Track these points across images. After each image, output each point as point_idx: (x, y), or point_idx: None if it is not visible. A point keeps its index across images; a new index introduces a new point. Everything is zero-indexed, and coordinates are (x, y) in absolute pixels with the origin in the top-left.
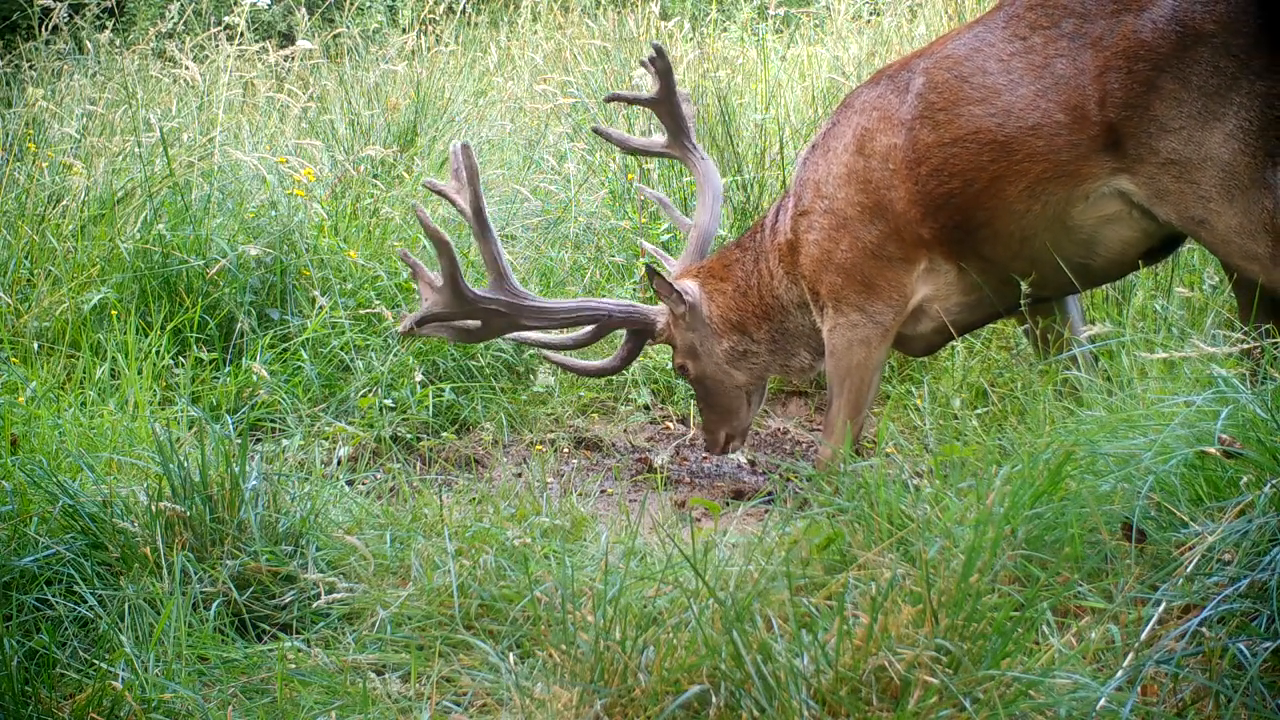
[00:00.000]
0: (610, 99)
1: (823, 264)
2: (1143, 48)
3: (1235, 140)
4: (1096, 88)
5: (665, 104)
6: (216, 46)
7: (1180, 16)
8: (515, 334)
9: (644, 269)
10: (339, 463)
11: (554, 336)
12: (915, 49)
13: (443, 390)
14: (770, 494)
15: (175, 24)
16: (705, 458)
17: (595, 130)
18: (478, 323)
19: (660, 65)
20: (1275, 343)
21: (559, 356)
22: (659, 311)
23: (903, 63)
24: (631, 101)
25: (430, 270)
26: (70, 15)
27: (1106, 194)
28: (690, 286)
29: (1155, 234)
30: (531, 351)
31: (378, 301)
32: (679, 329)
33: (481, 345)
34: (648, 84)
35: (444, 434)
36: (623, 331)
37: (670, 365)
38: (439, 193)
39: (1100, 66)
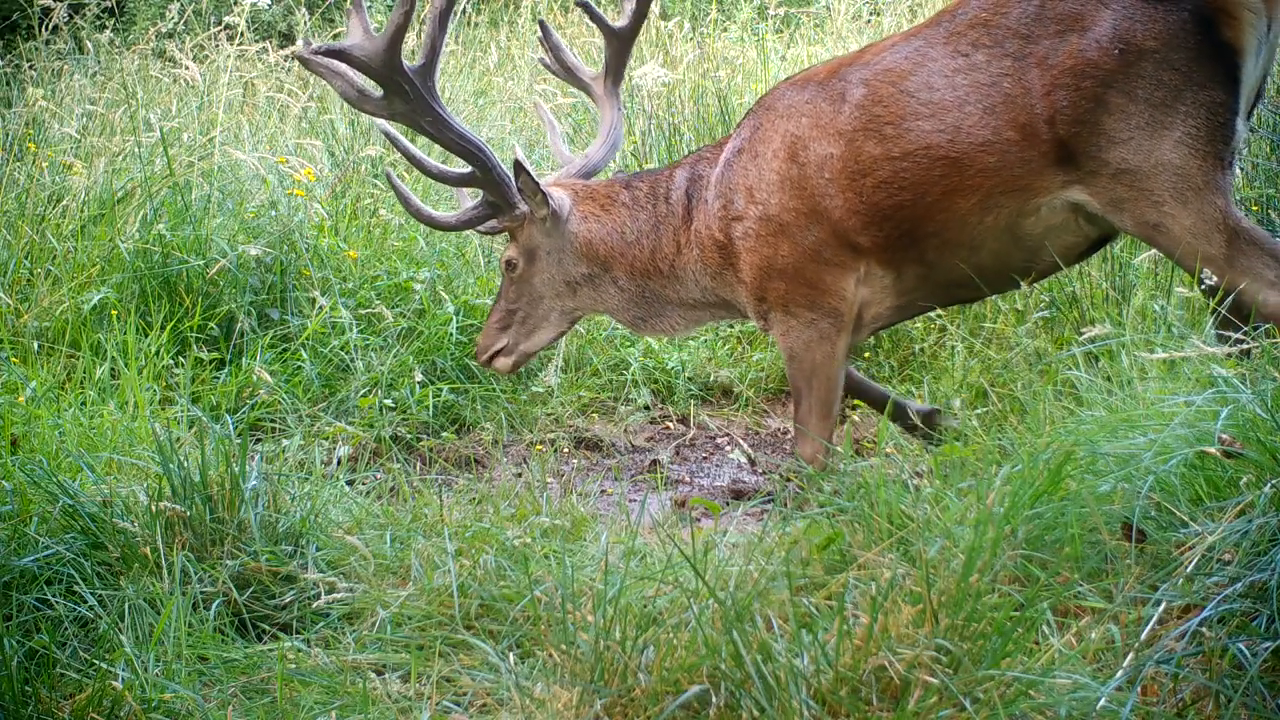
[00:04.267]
0: (579, 2)
1: (765, 272)
2: (1089, 66)
3: (1185, 146)
4: (1045, 106)
5: (622, 40)
6: (216, 46)
7: (1122, 34)
8: (400, 144)
9: (513, 162)
10: (339, 463)
11: (439, 213)
12: (838, 57)
13: (442, 390)
14: (770, 494)
15: (175, 24)
16: (705, 457)
17: (541, 34)
18: (379, 92)
19: (640, 5)
20: (1275, 343)
21: (405, 190)
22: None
23: (831, 70)
24: (594, 17)
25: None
26: (70, 15)
27: (1058, 206)
28: (562, 198)
29: (1092, 237)
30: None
31: (378, 301)
32: (532, 228)
33: None
34: (648, 81)
35: (444, 434)
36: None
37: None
38: None
39: (1048, 85)
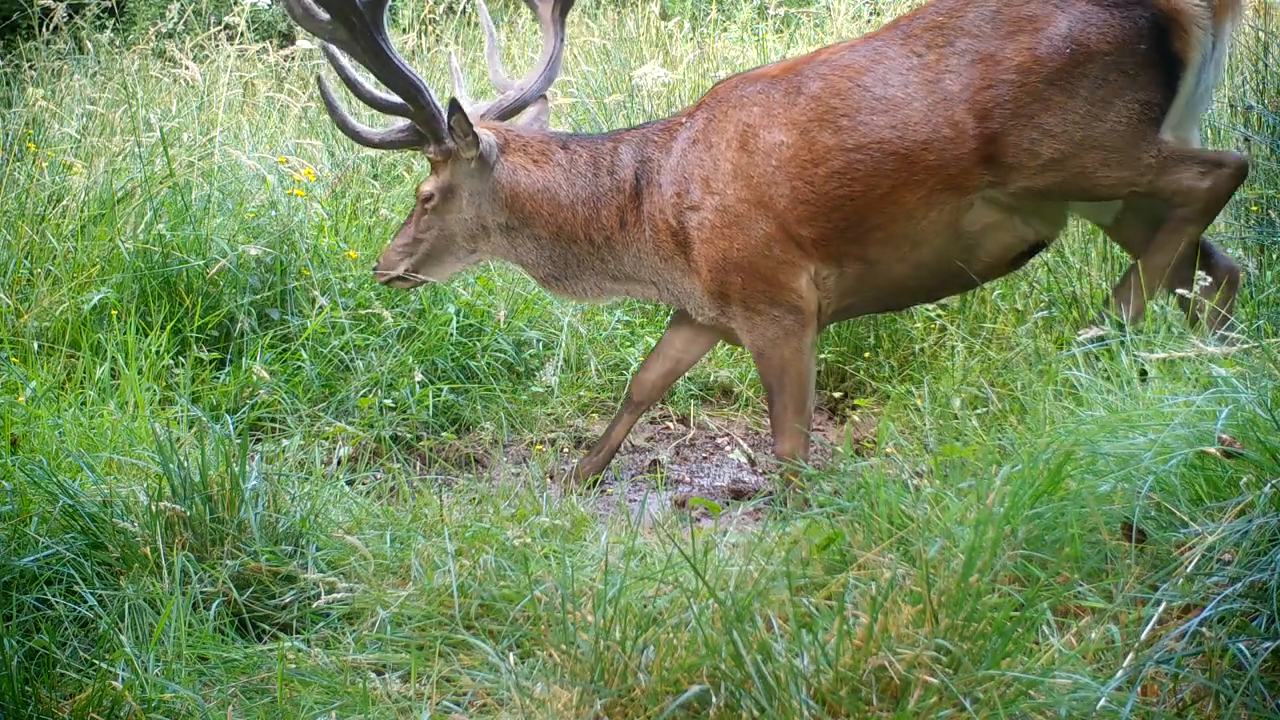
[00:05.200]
0: None
1: (722, 265)
2: (1036, 63)
3: (1116, 131)
4: (981, 100)
5: None
6: (216, 46)
7: (1075, 35)
8: (338, 63)
9: (450, 100)
10: (339, 463)
11: (367, 129)
12: (791, 58)
13: (442, 390)
14: (770, 494)
15: (175, 24)
16: (705, 457)
17: None
18: (326, 15)
19: None
20: (1274, 343)
21: (334, 99)
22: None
23: (785, 67)
24: None
25: None
26: (70, 15)
27: (988, 201)
28: (491, 143)
29: (1029, 239)
30: (531, 351)
31: (378, 301)
32: (456, 166)
33: (480, 346)
34: (647, 81)
35: (444, 434)
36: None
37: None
38: None
39: (988, 81)
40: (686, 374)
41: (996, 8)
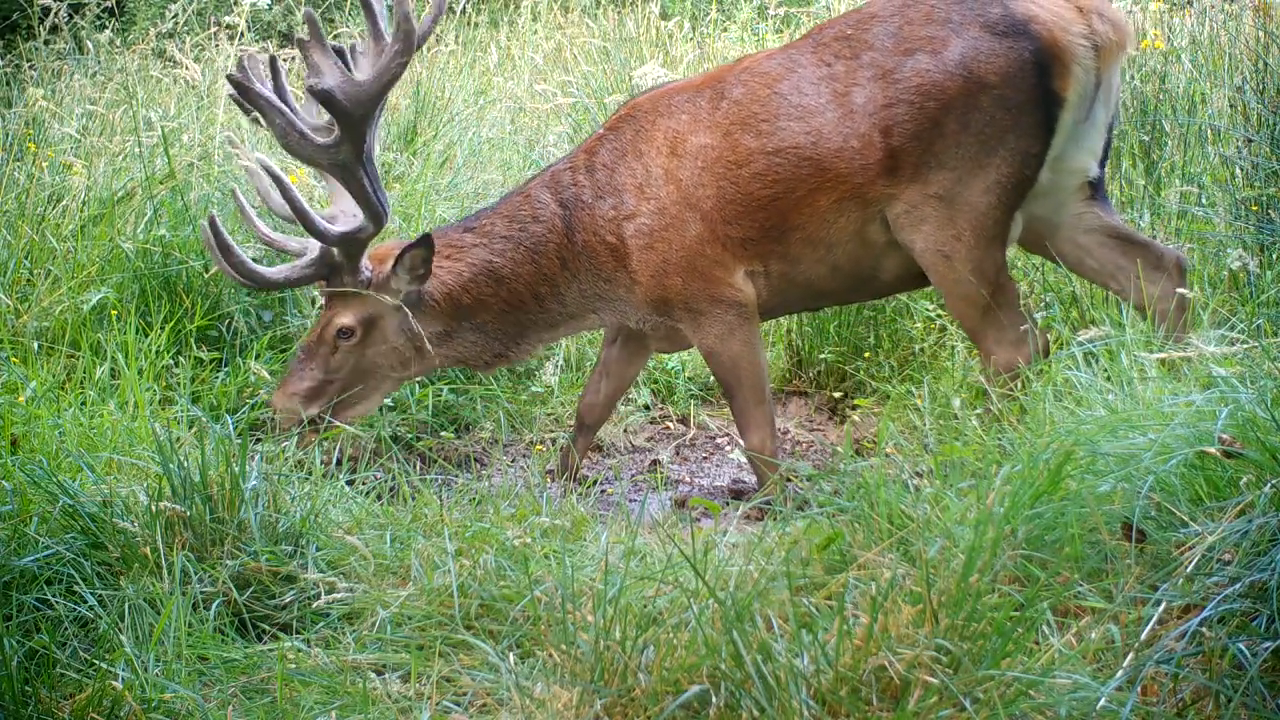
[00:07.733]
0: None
1: (661, 268)
2: (934, 88)
3: (992, 193)
4: (883, 117)
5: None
6: (216, 46)
7: (967, 63)
8: (292, 194)
9: (421, 234)
10: (338, 463)
11: (268, 269)
12: (714, 69)
13: (442, 390)
14: (768, 498)
15: (175, 24)
16: (705, 457)
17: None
18: (324, 139)
19: None
20: (1274, 343)
21: (229, 240)
22: (368, 265)
23: (708, 77)
24: None
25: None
26: (70, 15)
27: (883, 223)
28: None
29: None
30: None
31: None
32: (381, 295)
33: None
34: (647, 81)
35: (444, 434)
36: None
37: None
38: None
39: (890, 99)
40: (686, 374)
41: (898, 25)
